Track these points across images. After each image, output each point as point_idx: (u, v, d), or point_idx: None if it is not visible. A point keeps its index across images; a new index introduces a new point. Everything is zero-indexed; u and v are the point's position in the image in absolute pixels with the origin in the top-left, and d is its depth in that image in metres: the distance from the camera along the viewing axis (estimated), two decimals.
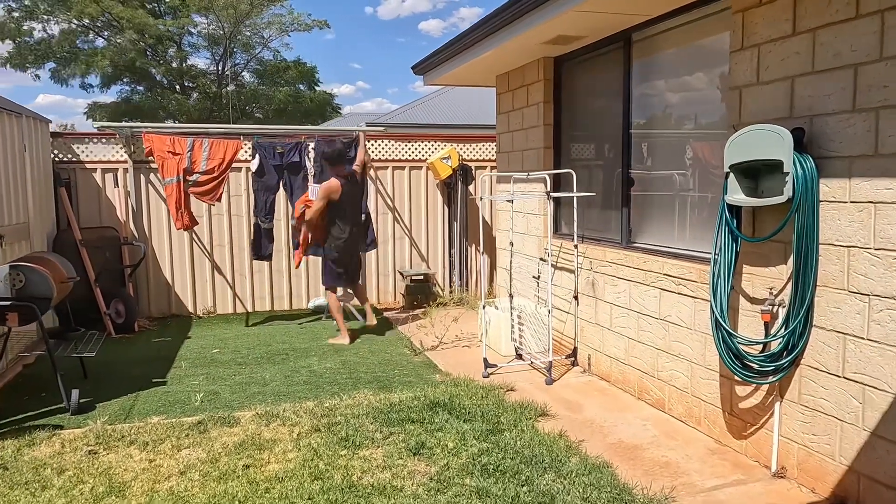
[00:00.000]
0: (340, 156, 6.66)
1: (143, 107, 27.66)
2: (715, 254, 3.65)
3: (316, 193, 6.60)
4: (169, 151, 6.68)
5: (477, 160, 8.87)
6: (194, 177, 6.78)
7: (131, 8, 25.19)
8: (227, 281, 8.18)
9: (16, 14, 24.96)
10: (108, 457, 3.85)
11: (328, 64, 74.00)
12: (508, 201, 5.96)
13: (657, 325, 4.52)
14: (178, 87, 29.72)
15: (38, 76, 27.25)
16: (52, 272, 4.81)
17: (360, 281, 8.47)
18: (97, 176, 7.62)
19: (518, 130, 6.60)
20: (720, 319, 3.54)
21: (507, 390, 4.99)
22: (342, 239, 6.54)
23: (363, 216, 7.20)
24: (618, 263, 4.95)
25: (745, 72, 3.65)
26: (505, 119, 6.91)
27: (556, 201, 6.09)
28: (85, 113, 28.94)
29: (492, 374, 5.43)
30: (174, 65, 28.94)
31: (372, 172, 8.50)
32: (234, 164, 7.84)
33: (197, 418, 4.43)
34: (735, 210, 3.58)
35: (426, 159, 8.65)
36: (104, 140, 7.57)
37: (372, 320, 6.84)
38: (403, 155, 8.63)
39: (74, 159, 7.54)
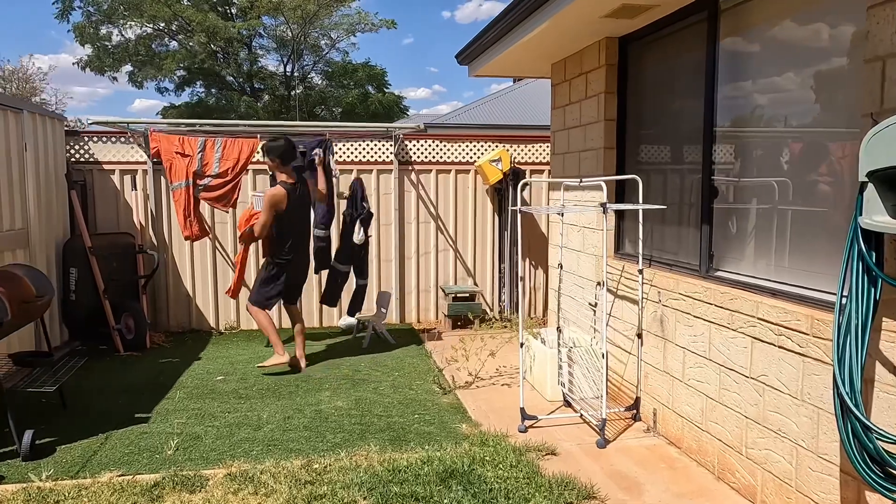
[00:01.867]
0: (287, 152, 5.51)
1: (214, 109, 27.91)
2: (842, 297, 2.51)
3: (260, 204, 5.60)
4: (177, 152, 5.98)
5: (533, 163, 7.81)
6: (206, 180, 6.05)
7: (202, 11, 25.39)
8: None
9: (94, 18, 25.64)
10: None
11: (405, 68, 73.44)
12: (559, 214, 4.90)
13: (746, 386, 3.37)
14: (248, 89, 29.89)
15: (115, 79, 28.04)
16: (13, 290, 4.12)
17: (395, 297, 7.61)
18: (115, 178, 7.05)
19: (575, 128, 5.52)
20: (848, 400, 2.39)
21: (547, 454, 3.94)
22: (287, 259, 5.64)
23: (365, 213, 6.32)
24: (693, 297, 3.81)
25: (891, 35, 2.49)
26: (560, 115, 5.84)
27: (620, 214, 4.99)
28: (159, 114, 29.54)
29: (531, 427, 4.38)
30: (244, 67, 29.09)
31: (413, 176, 7.60)
32: (259, 166, 7.16)
33: (157, 477, 3.61)
34: (874, 238, 2.43)
35: (475, 162, 7.68)
36: (122, 139, 6.99)
37: (300, 363, 5.77)
38: (449, 157, 7.68)
39: (91, 160, 6.99)
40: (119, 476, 3.65)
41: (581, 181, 4.38)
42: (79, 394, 5.13)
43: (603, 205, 3.92)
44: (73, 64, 28.83)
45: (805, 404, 2.97)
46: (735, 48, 3.76)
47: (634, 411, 4.48)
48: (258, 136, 6.49)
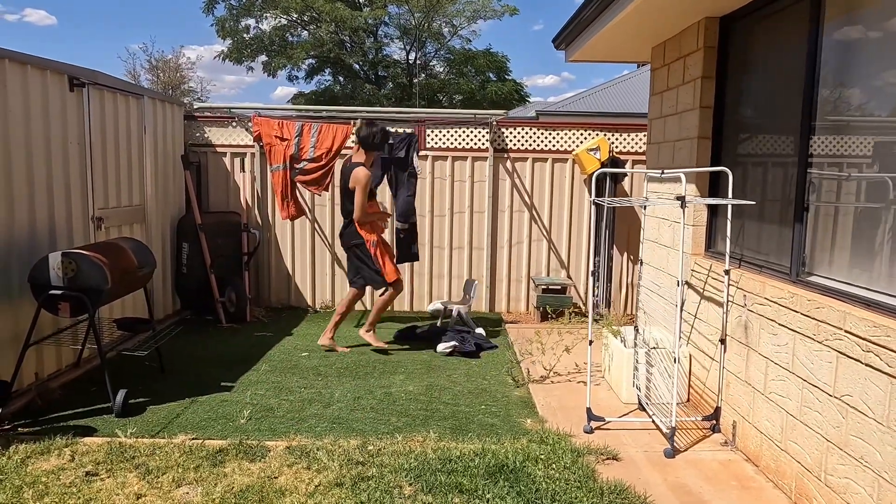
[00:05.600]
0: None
1: (339, 96, 29.04)
2: None
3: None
4: (277, 136, 6.26)
5: (635, 153, 7.45)
6: (301, 164, 6.30)
7: (331, 1, 26.40)
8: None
9: (235, 11, 27.44)
10: (103, 483, 3.35)
11: (534, 55, 72.46)
12: (641, 206, 4.63)
13: (829, 405, 3.02)
14: (373, 76, 30.81)
15: (251, 69, 29.86)
16: (116, 261, 4.50)
17: (485, 285, 7.56)
18: (227, 160, 7.50)
19: (671, 115, 5.18)
20: None
21: (608, 458, 3.75)
22: None
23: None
24: (779, 303, 3.46)
25: None
26: (658, 101, 5.51)
27: (713, 210, 4.64)
28: (289, 101, 31.18)
29: (597, 428, 4.20)
30: (370, 55, 29.97)
31: (508, 164, 7.49)
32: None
33: (224, 443, 3.82)
34: None
35: (573, 150, 7.43)
36: (233, 123, 7.42)
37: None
38: (546, 145, 7.49)
39: (206, 142, 7.49)
40: (191, 439, 3.90)
41: (662, 172, 4.10)
42: (178, 359, 5.54)
43: (681, 198, 3.65)
44: (214, 58, 31.01)
45: (891, 431, 2.61)
46: (841, 31, 3.35)
47: (713, 422, 4.16)
48: (352, 122, 6.66)
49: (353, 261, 5.92)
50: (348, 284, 6.09)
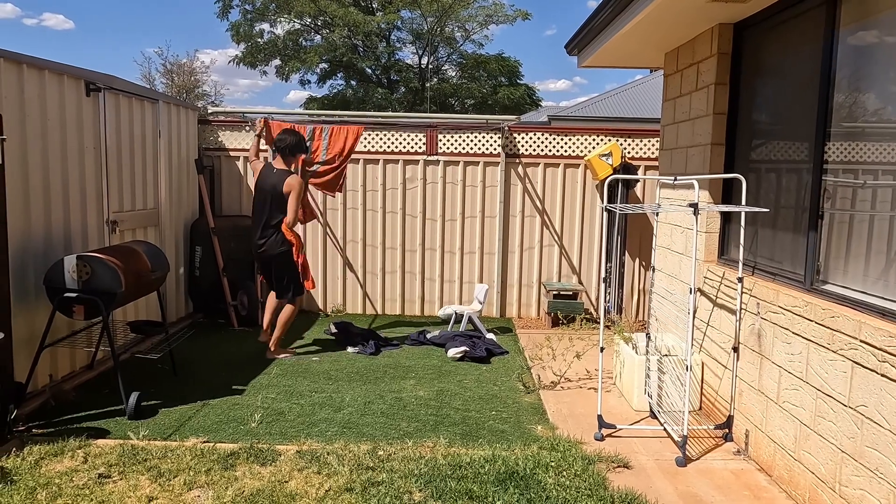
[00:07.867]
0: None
1: (351, 100, 29.14)
2: None
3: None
4: None
5: (647, 158, 7.42)
6: (314, 167, 6.32)
7: (344, 6, 26.55)
8: (358, 279, 7.71)
9: (250, 16, 27.65)
10: (116, 485, 3.38)
11: (547, 59, 72.10)
12: (654, 213, 4.61)
13: (843, 416, 2.98)
14: (385, 81, 30.92)
15: (265, 73, 30.07)
16: (129, 264, 4.54)
17: (496, 291, 7.54)
18: (240, 164, 7.55)
19: (684, 121, 5.16)
20: None
21: (618, 466, 3.73)
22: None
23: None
24: (793, 311, 3.43)
25: None
26: (671, 107, 5.49)
27: (726, 217, 4.61)
28: (301, 105, 31.39)
29: (608, 436, 4.18)
30: (382, 60, 30.08)
31: (520, 169, 7.49)
32: (369, 156, 7.40)
33: (235, 446, 3.84)
34: None
35: (585, 156, 7.42)
36: (246, 128, 7.47)
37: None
38: (558, 150, 7.48)
39: (220, 147, 7.54)
40: (203, 442, 3.92)
41: (675, 179, 4.08)
42: (190, 362, 5.57)
43: (693, 205, 3.63)
44: (228, 62, 31.29)
45: None
46: (857, 36, 3.32)
47: (726, 430, 4.13)
48: (363, 124, 6.68)
49: (278, 270, 5.73)
50: (275, 298, 5.91)
